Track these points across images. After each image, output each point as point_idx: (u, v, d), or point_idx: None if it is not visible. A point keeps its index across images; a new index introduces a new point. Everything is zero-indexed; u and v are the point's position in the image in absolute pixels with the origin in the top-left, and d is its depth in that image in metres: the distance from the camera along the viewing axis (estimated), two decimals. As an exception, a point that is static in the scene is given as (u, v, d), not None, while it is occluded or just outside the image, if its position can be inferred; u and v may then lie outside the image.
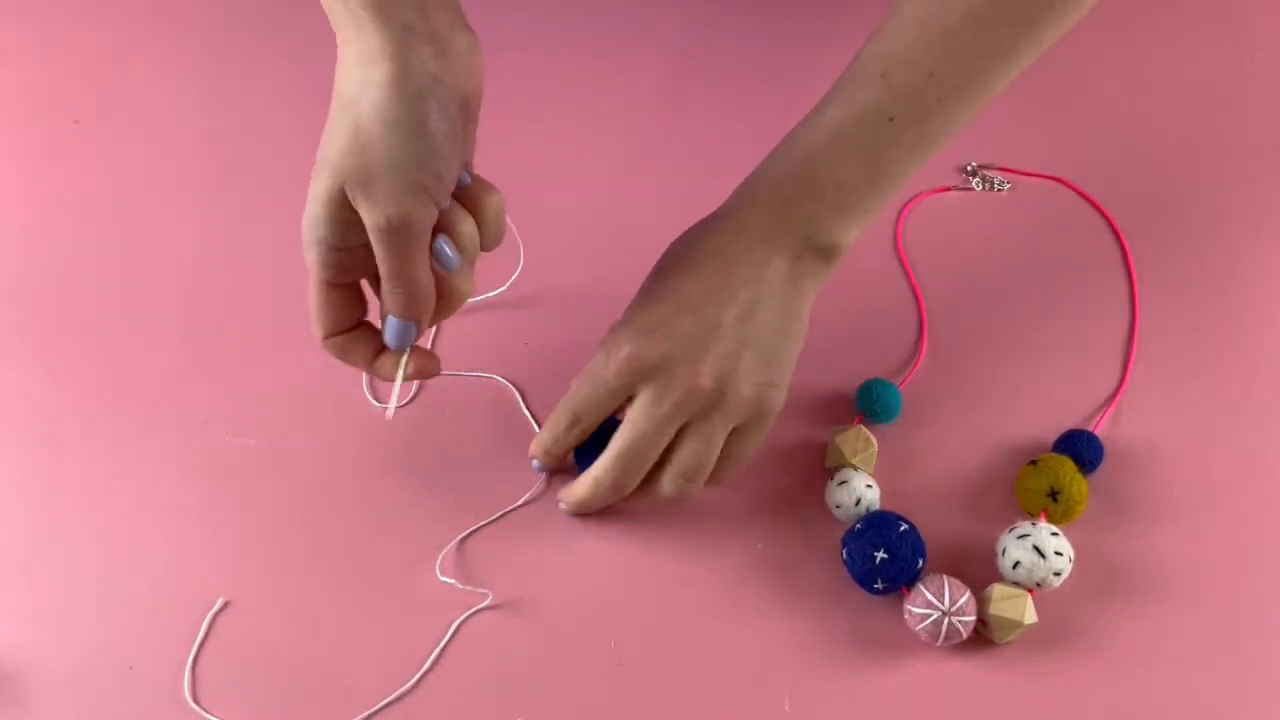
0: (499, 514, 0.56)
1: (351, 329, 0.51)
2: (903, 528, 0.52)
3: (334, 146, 0.46)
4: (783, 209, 0.51)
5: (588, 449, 0.54)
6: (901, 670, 0.51)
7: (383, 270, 0.48)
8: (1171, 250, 0.64)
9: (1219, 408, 0.58)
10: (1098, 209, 0.66)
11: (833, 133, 0.51)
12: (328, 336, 0.51)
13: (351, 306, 0.51)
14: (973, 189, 0.68)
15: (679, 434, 0.52)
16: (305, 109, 0.73)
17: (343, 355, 0.51)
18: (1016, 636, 0.51)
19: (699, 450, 0.51)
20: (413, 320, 0.49)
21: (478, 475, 0.57)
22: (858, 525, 0.53)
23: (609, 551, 0.55)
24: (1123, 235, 0.65)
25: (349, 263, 0.49)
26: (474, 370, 0.61)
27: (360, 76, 0.45)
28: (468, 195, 0.50)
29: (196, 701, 0.51)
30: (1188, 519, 0.55)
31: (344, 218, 0.47)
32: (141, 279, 0.66)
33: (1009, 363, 0.60)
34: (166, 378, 0.61)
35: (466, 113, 0.48)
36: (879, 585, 0.51)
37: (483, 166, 0.52)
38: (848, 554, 0.52)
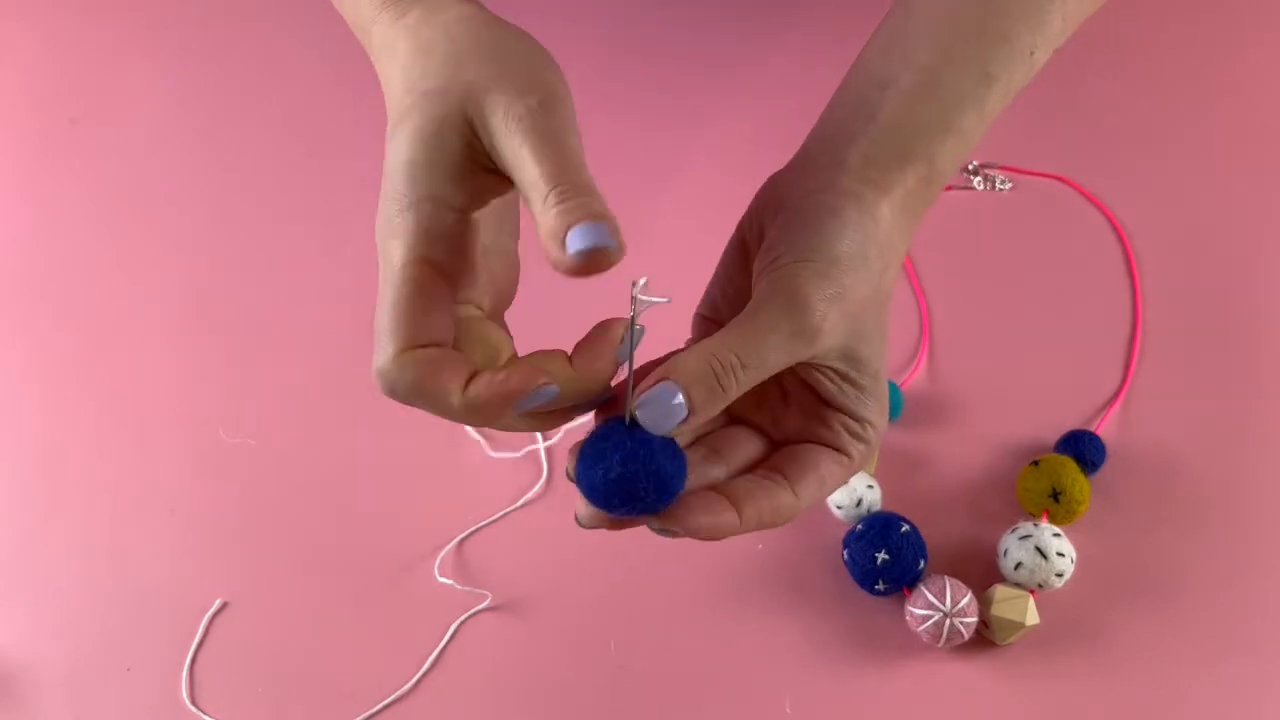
0: (499, 514, 0.56)
1: (439, 345, 0.35)
2: (904, 528, 0.52)
3: (430, 78, 0.37)
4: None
5: (594, 462, 0.36)
6: (903, 672, 0.51)
7: (540, 171, 0.34)
8: (1174, 249, 0.64)
9: (1222, 407, 0.58)
10: (1100, 208, 0.66)
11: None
12: (409, 348, 0.34)
13: (444, 308, 0.36)
14: (974, 188, 0.67)
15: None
16: (305, 109, 0.73)
17: (429, 379, 0.34)
18: (1018, 638, 0.51)
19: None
20: (603, 218, 0.33)
21: (477, 475, 0.57)
22: (859, 526, 0.53)
23: (609, 552, 0.54)
24: (1125, 234, 0.65)
25: (456, 229, 0.36)
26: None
27: (435, 19, 0.39)
28: None
29: (194, 703, 0.51)
30: (1190, 520, 0.55)
31: (457, 155, 0.36)
32: (139, 279, 0.65)
33: (1011, 362, 0.60)
34: (165, 378, 0.61)
35: None
36: (880, 586, 0.51)
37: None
38: (849, 555, 0.52)
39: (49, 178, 0.71)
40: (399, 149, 0.36)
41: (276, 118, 0.73)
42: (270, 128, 0.72)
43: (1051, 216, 0.66)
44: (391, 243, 0.35)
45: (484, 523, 0.55)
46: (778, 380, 0.42)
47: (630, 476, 0.35)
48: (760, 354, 0.37)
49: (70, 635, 0.53)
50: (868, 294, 0.39)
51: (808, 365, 0.40)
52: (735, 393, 0.36)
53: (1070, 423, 0.58)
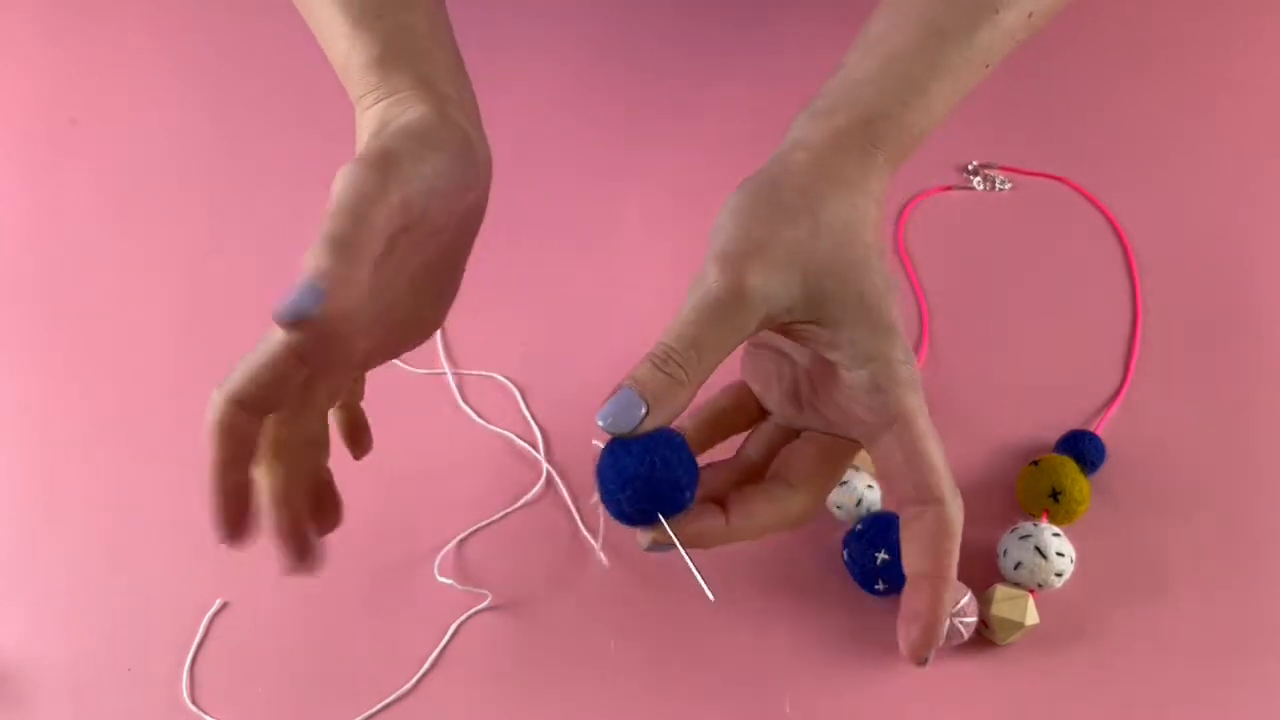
0: (499, 514, 0.56)
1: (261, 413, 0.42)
2: (904, 528, 0.52)
3: None
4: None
5: (618, 477, 0.38)
6: (903, 672, 0.51)
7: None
8: (1174, 249, 0.64)
9: (1221, 407, 0.58)
10: (1099, 208, 0.66)
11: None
12: (235, 400, 0.41)
13: (288, 389, 0.42)
14: (974, 188, 0.67)
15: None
16: (307, 108, 0.73)
17: (220, 444, 0.41)
18: (1018, 637, 0.51)
19: None
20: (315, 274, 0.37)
21: (477, 475, 0.57)
22: (858, 526, 0.53)
23: (608, 552, 0.54)
24: (1124, 234, 0.65)
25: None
26: (474, 369, 0.61)
27: (392, 117, 0.41)
28: None
29: (195, 703, 0.51)
30: (1190, 519, 0.55)
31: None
32: (140, 280, 0.65)
33: (1010, 362, 0.60)
34: (165, 378, 0.61)
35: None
36: (880, 586, 0.51)
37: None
38: (848, 555, 0.52)
39: (49, 178, 0.71)
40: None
41: (278, 117, 0.73)
42: (271, 127, 0.72)
43: (1051, 216, 0.66)
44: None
45: (484, 523, 0.55)
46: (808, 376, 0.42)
47: (647, 487, 0.38)
48: (693, 335, 0.37)
49: (70, 635, 0.53)
50: (799, 237, 0.38)
51: (789, 329, 0.39)
52: (693, 376, 0.37)
53: (1070, 423, 0.58)
